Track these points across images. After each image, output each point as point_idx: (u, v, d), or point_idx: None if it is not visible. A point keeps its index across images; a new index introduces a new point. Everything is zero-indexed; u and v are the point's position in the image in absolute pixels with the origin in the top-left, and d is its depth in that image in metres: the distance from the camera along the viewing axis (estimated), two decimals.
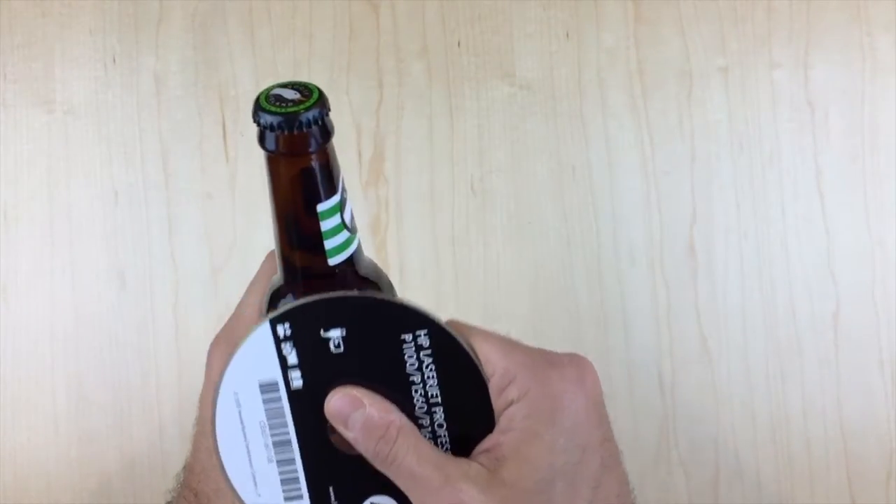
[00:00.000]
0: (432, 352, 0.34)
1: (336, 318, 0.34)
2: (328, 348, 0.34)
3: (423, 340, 0.34)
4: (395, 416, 0.33)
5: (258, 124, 0.32)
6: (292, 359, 0.34)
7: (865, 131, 0.67)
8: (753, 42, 0.68)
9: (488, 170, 0.67)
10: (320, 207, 0.34)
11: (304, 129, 0.31)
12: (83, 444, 0.66)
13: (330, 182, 0.34)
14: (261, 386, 0.34)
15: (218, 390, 0.35)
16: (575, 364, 0.34)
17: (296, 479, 0.35)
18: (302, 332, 0.34)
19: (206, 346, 0.65)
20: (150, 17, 0.67)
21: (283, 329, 0.34)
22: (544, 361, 0.33)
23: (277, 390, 0.34)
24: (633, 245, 0.67)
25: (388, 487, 0.34)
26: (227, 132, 0.67)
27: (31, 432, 0.66)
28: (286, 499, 0.35)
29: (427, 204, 0.67)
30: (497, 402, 0.33)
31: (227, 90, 0.67)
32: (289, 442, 0.35)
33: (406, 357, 0.34)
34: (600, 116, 0.67)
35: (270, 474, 0.35)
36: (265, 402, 0.35)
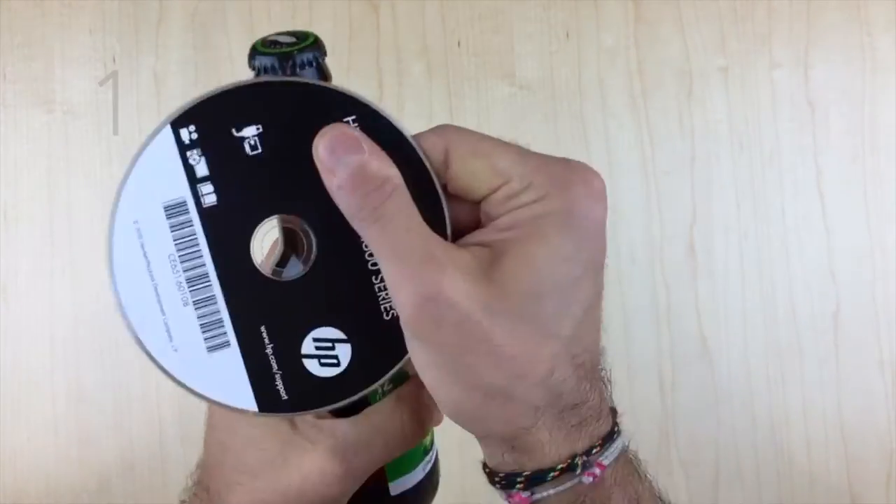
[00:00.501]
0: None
1: (249, 112, 0.29)
2: (243, 151, 0.29)
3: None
4: (394, 171, 0.28)
5: (252, 68, 0.30)
6: (201, 169, 0.28)
7: (865, 131, 0.67)
8: (753, 42, 0.68)
9: None
10: None
11: (298, 70, 0.29)
12: (83, 444, 0.66)
13: None
14: (165, 208, 0.29)
15: (113, 220, 0.29)
16: (596, 175, 0.29)
17: (219, 323, 0.29)
18: (210, 133, 0.28)
19: None
20: (150, 17, 0.67)
21: (188, 133, 0.28)
22: (564, 167, 0.29)
23: (187, 211, 0.29)
24: (633, 245, 0.67)
25: (334, 315, 0.29)
26: None
27: (31, 432, 0.66)
28: (209, 349, 0.30)
29: None
30: (509, 204, 0.29)
31: None
32: (206, 276, 0.29)
33: None
34: (600, 116, 0.67)
35: (186, 320, 0.29)
36: (172, 228, 0.29)
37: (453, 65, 0.68)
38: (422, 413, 0.34)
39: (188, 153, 0.28)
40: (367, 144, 0.28)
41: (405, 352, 0.29)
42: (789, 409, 0.67)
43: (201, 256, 0.29)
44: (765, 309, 0.67)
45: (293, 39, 0.30)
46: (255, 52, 0.30)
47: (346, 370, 0.30)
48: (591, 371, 0.30)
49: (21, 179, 0.67)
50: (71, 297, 0.66)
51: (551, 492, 0.29)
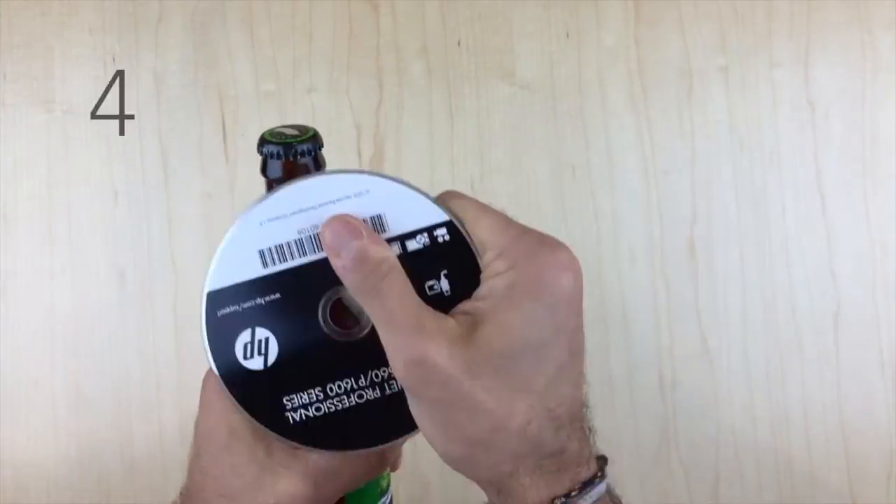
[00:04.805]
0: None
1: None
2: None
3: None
4: (391, 253, 0.33)
5: (261, 153, 0.36)
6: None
7: (866, 131, 0.67)
8: (754, 42, 0.68)
9: (488, 170, 0.67)
10: None
11: (299, 158, 0.35)
12: (83, 444, 0.66)
13: None
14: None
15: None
16: (567, 252, 0.33)
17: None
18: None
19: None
20: (150, 17, 0.67)
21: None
22: (537, 240, 0.33)
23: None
24: (633, 245, 0.67)
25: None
26: (226, 132, 0.67)
27: (31, 432, 0.66)
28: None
29: None
30: (485, 273, 0.33)
31: (226, 90, 0.67)
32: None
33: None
34: (600, 116, 0.67)
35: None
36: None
37: (453, 65, 0.68)
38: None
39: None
40: (366, 230, 0.33)
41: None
42: (789, 409, 0.67)
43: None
44: (765, 309, 0.67)
45: (296, 132, 0.36)
46: (263, 140, 0.36)
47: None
48: (570, 422, 0.33)
49: (21, 179, 0.67)
50: (71, 296, 0.66)
51: None
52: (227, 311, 0.35)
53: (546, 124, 0.67)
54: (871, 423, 0.66)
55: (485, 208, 0.35)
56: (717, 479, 0.66)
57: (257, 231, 0.34)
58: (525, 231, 0.34)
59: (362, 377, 0.35)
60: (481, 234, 0.34)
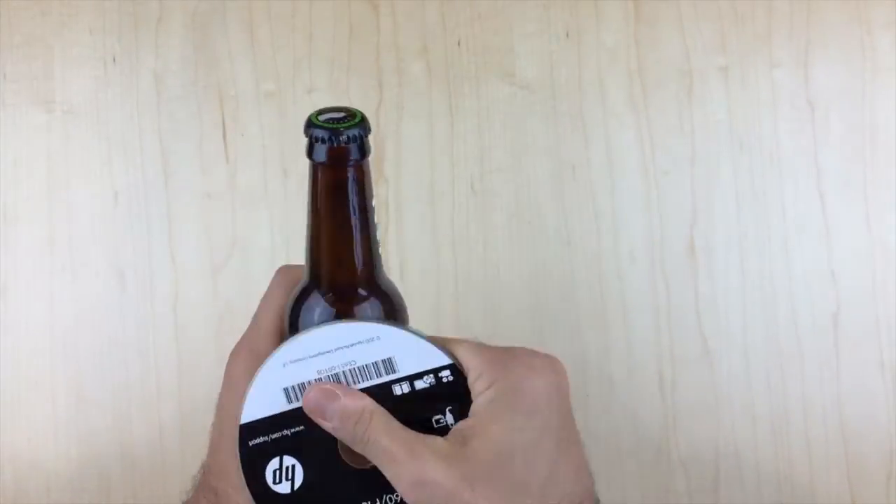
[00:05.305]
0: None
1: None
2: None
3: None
4: (367, 401, 0.37)
5: (307, 136, 0.37)
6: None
7: (866, 131, 0.67)
8: (753, 41, 0.68)
9: (488, 170, 0.67)
10: (353, 218, 0.39)
11: (346, 143, 0.37)
12: (83, 444, 0.66)
13: (363, 196, 0.39)
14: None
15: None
16: (540, 357, 0.38)
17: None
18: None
19: (207, 346, 0.65)
20: (150, 17, 0.67)
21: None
22: (510, 356, 0.37)
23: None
24: (633, 245, 0.67)
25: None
26: (227, 132, 0.67)
27: (31, 432, 0.66)
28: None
29: (427, 204, 0.67)
30: (472, 396, 0.37)
31: (226, 90, 0.67)
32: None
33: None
34: (600, 116, 0.67)
35: None
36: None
37: (453, 65, 0.68)
38: None
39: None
40: (341, 390, 0.37)
41: None
42: (789, 409, 0.67)
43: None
44: (765, 309, 0.67)
45: (343, 115, 0.38)
46: (311, 123, 0.37)
47: None
48: None
49: (21, 179, 0.67)
50: (71, 296, 0.66)
51: None
52: (258, 441, 0.38)
53: (546, 124, 0.67)
54: (871, 424, 0.66)
55: (458, 339, 0.39)
56: (717, 479, 0.66)
57: (281, 371, 0.38)
58: (498, 351, 0.38)
59: (377, 501, 0.38)
60: (463, 357, 0.38)
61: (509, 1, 0.68)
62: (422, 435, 0.36)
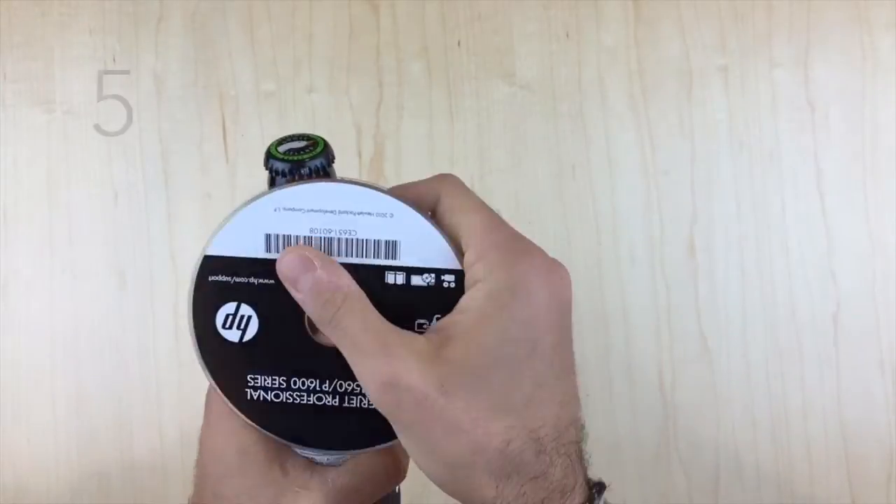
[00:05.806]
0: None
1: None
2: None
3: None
4: (344, 281, 0.32)
5: (267, 168, 0.35)
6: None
7: (866, 131, 0.67)
8: (753, 41, 0.68)
9: (488, 170, 0.67)
10: None
11: (308, 176, 0.34)
12: (83, 444, 0.66)
13: None
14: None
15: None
16: (548, 260, 0.32)
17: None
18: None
19: None
20: (150, 17, 0.67)
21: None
22: (519, 247, 0.32)
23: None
24: (633, 245, 0.67)
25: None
26: (226, 132, 0.67)
27: (31, 432, 0.66)
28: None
29: None
30: (466, 277, 0.32)
31: (226, 90, 0.67)
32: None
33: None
34: (600, 116, 0.67)
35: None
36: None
37: (453, 65, 0.68)
38: (399, 457, 0.37)
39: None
40: (319, 261, 0.32)
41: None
42: (789, 409, 0.67)
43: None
44: (765, 309, 0.67)
45: (304, 144, 0.35)
46: (270, 156, 0.35)
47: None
48: (555, 446, 0.31)
49: (21, 179, 0.67)
50: (71, 296, 0.66)
51: None
52: (218, 278, 0.34)
53: (546, 124, 0.67)
54: (871, 424, 0.66)
55: (479, 205, 0.34)
56: (717, 479, 0.66)
57: (270, 215, 0.34)
58: (509, 236, 0.32)
59: (327, 382, 0.34)
60: (463, 233, 0.33)
61: (509, 1, 0.68)
62: (400, 329, 0.32)
